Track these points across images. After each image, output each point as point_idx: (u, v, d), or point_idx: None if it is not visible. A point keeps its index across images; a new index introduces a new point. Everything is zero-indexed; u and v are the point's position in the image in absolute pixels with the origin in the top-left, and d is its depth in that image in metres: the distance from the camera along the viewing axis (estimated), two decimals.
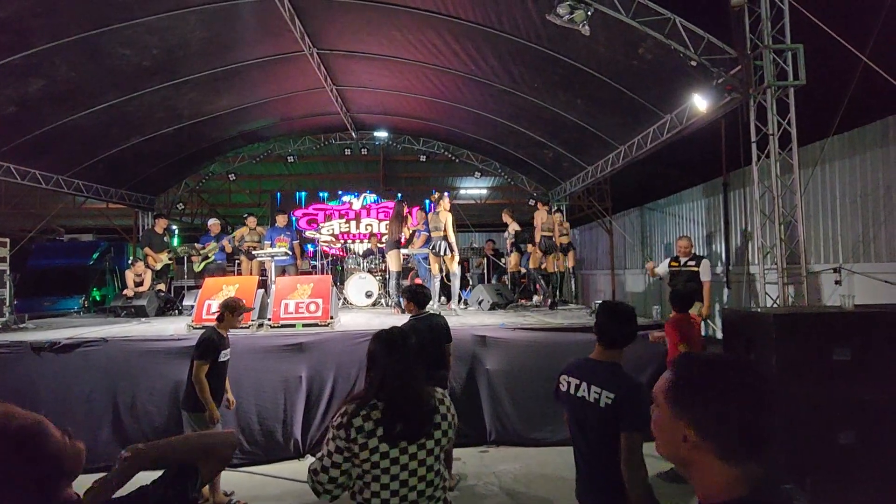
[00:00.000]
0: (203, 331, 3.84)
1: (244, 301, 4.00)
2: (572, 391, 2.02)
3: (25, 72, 5.85)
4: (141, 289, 7.72)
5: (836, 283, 5.71)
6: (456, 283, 7.08)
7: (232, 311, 3.81)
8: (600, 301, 2.10)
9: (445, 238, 6.65)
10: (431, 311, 4.30)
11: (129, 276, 7.84)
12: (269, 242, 7.89)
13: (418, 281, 8.25)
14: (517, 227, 8.42)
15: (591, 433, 1.95)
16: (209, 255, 8.40)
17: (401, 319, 6.45)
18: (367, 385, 1.74)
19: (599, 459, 1.92)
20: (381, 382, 1.68)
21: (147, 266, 8.05)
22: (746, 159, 5.51)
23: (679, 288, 5.09)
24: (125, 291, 7.71)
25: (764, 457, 0.82)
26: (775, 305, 4.89)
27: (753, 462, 0.82)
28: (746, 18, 4.82)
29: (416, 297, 4.10)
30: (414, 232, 8.33)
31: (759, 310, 4.40)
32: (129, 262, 8.17)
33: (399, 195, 11.59)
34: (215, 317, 3.90)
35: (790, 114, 4.77)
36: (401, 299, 7.51)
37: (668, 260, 5.93)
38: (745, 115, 5.05)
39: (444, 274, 7.19)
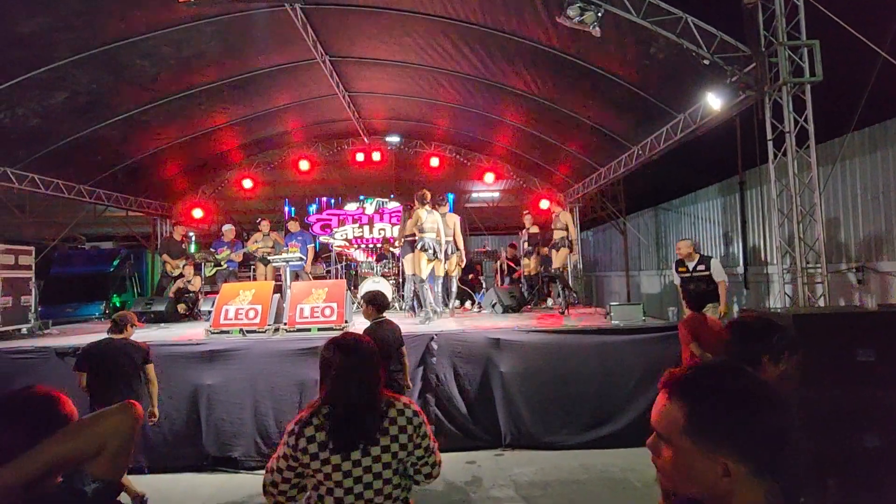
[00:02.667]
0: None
1: (132, 315, 4.17)
2: None
3: (49, 85, 6.03)
4: (192, 287, 8.10)
5: (859, 282, 5.58)
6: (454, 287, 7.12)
7: (115, 322, 4.00)
8: (731, 321, 1.82)
9: (454, 241, 6.65)
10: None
11: (181, 282, 8.13)
12: (285, 249, 8.00)
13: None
14: (536, 230, 8.41)
15: None
16: (221, 262, 8.54)
17: (414, 323, 6.49)
18: (320, 393, 1.72)
19: None
20: (329, 389, 1.66)
21: (167, 272, 8.24)
22: (762, 157, 5.42)
23: (692, 291, 5.01)
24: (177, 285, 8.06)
25: (791, 462, 0.77)
26: (795, 305, 4.80)
27: (782, 471, 0.76)
28: (760, 15, 4.76)
29: (373, 301, 4.09)
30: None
31: (778, 309, 4.32)
32: (173, 272, 8.40)
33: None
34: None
35: (807, 110, 4.69)
36: (414, 303, 7.55)
37: (674, 266, 5.81)
38: (761, 112, 4.98)
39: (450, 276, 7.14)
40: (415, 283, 6.51)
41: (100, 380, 3.74)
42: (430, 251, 6.14)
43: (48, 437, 1.01)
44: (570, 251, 7.67)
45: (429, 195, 6.36)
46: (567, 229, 7.52)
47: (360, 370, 1.68)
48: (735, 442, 0.76)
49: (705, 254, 5.92)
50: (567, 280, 7.74)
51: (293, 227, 8.60)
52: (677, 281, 5.66)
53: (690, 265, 5.44)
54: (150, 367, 4.02)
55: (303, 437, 1.60)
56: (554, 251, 7.64)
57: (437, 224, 6.26)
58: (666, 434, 0.82)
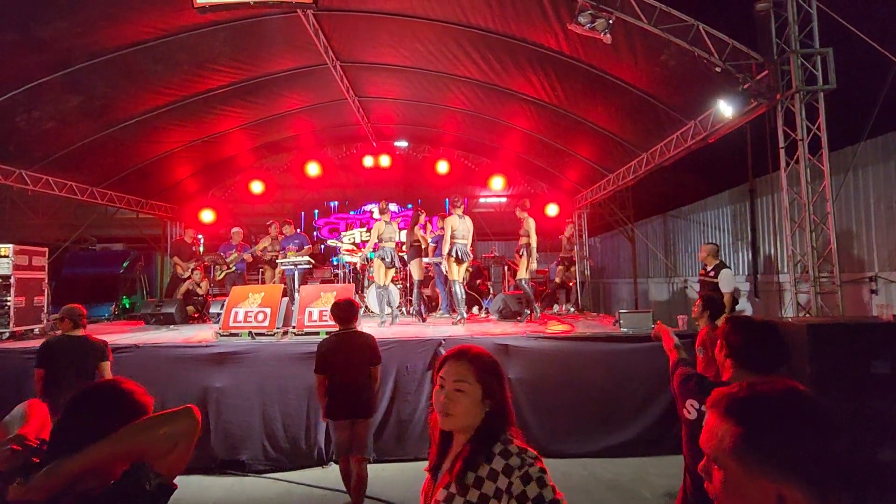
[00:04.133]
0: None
1: (80, 307, 3.90)
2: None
3: (65, 89, 6.12)
4: (200, 290, 8.19)
5: (872, 292, 5.51)
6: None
7: (61, 319, 3.84)
8: (732, 316, 1.76)
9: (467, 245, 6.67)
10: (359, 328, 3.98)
11: (188, 284, 8.22)
12: (283, 252, 8.02)
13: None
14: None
15: None
16: (230, 265, 8.60)
17: (423, 328, 6.49)
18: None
19: None
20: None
21: (176, 274, 8.30)
22: (774, 165, 5.39)
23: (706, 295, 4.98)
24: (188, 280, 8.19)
25: (862, 492, 0.72)
26: (807, 315, 4.75)
27: (843, 499, 0.72)
28: (773, 23, 4.75)
29: (333, 311, 3.82)
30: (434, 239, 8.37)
31: (790, 319, 4.28)
32: (182, 274, 8.47)
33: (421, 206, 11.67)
34: None
35: (820, 118, 4.66)
36: (422, 308, 7.55)
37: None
38: (773, 120, 4.95)
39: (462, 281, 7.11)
40: (420, 287, 7.08)
41: (55, 376, 3.57)
42: (465, 260, 6.54)
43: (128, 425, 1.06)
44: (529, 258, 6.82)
45: (460, 200, 6.79)
46: (529, 235, 6.78)
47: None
48: (793, 468, 0.72)
49: (723, 261, 5.87)
50: (529, 293, 6.91)
51: (288, 230, 8.60)
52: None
53: (707, 269, 5.51)
54: (107, 366, 3.74)
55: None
56: (518, 257, 7.09)
57: (469, 231, 6.62)
58: (716, 456, 0.78)
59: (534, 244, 6.73)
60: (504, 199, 14.64)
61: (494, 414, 1.36)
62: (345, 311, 3.76)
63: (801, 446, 0.72)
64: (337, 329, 3.81)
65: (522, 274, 6.86)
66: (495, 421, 1.36)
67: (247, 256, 8.60)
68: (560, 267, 9.21)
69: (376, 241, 6.79)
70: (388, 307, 6.81)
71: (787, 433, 0.73)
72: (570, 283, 9.77)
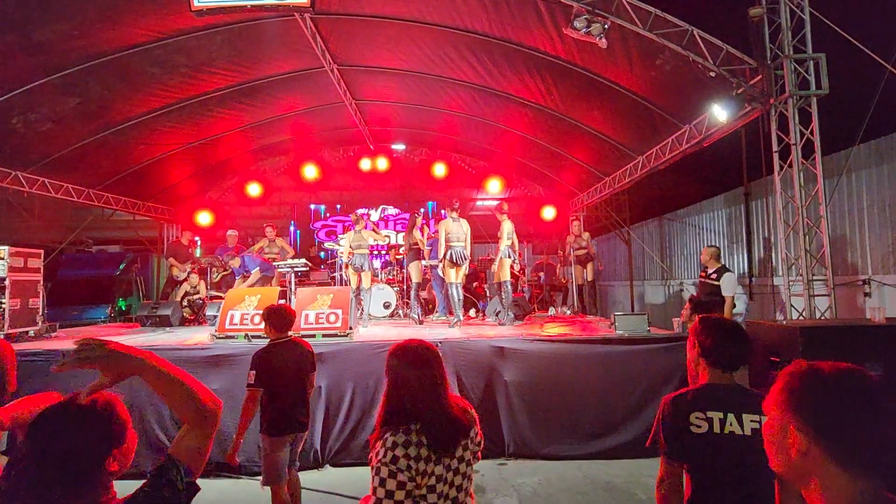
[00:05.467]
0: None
1: None
2: (717, 429, 1.64)
3: (62, 91, 6.12)
4: (197, 295, 8.19)
5: (866, 294, 5.56)
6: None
7: None
8: (701, 317, 1.88)
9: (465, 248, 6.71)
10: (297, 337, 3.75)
11: (185, 286, 8.21)
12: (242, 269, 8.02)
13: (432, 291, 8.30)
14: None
15: (760, 474, 1.48)
16: (227, 267, 8.59)
17: (419, 330, 6.50)
18: (392, 404, 1.69)
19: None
20: (416, 402, 1.64)
21: (172, 276, 8.28)
22: (768, 169, 5.44)
23: (702, 298, 5.03)
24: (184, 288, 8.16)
25: (883, 470, 0.78)
26: (801, 318, 4.78)
27: (872, 473, 0.78)
28: (766, 28, 4.80)
29: (270, 317, 3.40)
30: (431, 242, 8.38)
31: (784, 322, 4.31)
32: (179, 276, 8.45)
33: (421, 210, 11.69)
34: None
35: (813, 123, 4.71)
36: (419, 311, 7.56)
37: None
38: (767, 124, 5.00)
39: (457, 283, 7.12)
40: (417, 290, 7.31)
41: None
42: (462, 264, 6.62)
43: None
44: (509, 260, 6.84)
45: (458, 204, 6.92)
46: (510, 238, 6.77)
47: (440, 377, 1.70)
48: (813, 417, 0.82)
49: (725, 265, 5.92)
50: (504, 297, 6.85)
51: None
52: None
53: (708, 271, 5.53)
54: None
55: (410, 458, 1.53)
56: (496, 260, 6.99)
57: (466, 234, 6.72)
58: (768, 405, 0.91)
59: (503, 248, 6.74)
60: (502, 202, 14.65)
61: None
62: (282, 318, 3.42)
63: (833, 407, 0.82)
64: (272, 338, 3.43)
65: (506, 276, 6.85)
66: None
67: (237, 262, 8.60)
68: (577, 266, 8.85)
69: (350, 249, 7.35)
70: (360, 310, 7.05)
71: (828, 394, 0.84)
72: (566, 282, 9.80)
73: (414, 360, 1.67)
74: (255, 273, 7.67)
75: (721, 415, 1.66)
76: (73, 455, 1.03)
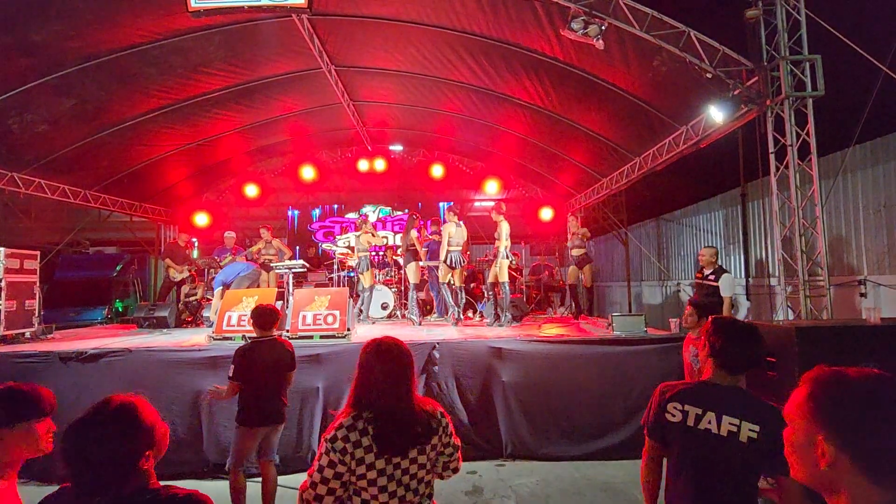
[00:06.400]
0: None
1: None
2: (691, 423, 1.70)
3: (58, 92, 6.10)
4: (194, 297, 8.15)
5: (861, 295, 5.58)
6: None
7: None
8: (713, 318, 1.87)
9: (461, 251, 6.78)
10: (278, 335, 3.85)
11: (184, 288, 8.14)
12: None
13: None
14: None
15: (724, 474, 1.63)
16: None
17: (417, 331, 6.49)
18: (356, 393, 1.72)
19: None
20: (372, 394, 1.67)
21: (169, 277, 8.25)
22: (765, 170, 5.46)
23: (700, 300, 5.02)
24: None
25: None
26: (797, 318, 4.79)
27: None
28: (762, 30, 4.82)
29: (253, 316, 3.63)
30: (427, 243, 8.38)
31: (780, 322, 4.32)
32: (175, 277, 8.41)
33: (417, 211, 11.70)
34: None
35: (809, 124, 4.73)
36: (417, 312, 7.56)
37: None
38: (763, 125, 5.02)
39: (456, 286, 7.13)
40: (415, 291, 7.53)
41: None
42: (457, 268, 6.83)
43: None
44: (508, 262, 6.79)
45: (457, 208, 7.23)
46: (500, 239, 6.68)
47: (404, 375, 1.70)
48: (842, 428, 0.79)
49: (723, 266, 5.93)
50: (503, 298, 6.89)
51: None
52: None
53: (706, 273, 5.52)
54: None
55: (349, 441, 1.57)
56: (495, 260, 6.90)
57: (463, 239, 6.94)
58: (791, 413, 0.88)
59: (502, 249, 6.69)
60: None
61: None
62: (262, 317, 3.64)
63: (862, 417, 0.80)
64: (256, 335, 3.65)
65: (505, 277, 6.82)
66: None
67: (240, 259, 8.57)
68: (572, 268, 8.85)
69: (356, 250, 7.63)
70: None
71: (854, 402, 0.81)
72: (562, 284, 9.80)
73: (382, 353, 1.71)
74: (238, 280, 7.22)
75: (699, 411, 1.69)
76: (105, 466, 1.11)
